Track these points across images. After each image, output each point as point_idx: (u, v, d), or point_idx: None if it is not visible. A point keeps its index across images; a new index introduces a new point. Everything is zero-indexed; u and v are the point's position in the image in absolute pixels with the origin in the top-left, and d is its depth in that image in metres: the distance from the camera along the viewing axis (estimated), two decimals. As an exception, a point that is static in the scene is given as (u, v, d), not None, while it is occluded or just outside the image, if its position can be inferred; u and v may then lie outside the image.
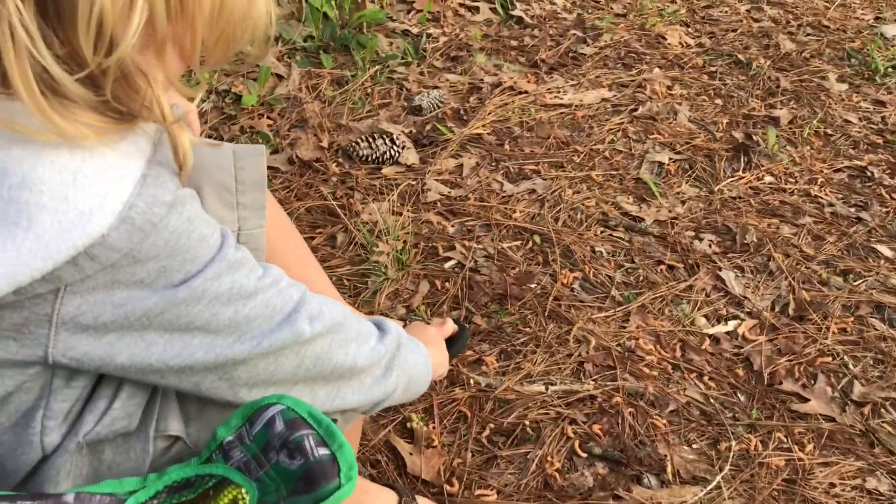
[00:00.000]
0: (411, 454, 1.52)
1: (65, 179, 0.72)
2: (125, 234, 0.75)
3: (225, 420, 0.89)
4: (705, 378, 1.71)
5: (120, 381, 0.94)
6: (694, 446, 1.59)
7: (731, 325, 1.84)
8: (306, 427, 0.84)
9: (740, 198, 2.19)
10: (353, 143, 2.15)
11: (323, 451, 0.81)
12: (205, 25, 0.76)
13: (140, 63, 0.72)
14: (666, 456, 1.56)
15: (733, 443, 1.59)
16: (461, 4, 2.90)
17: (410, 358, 1.11)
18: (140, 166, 0.77)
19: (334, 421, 1.08)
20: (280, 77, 2.37)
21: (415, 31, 2.70)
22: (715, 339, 1.80)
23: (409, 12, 2.80)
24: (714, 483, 1.52)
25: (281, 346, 0.90)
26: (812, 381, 1.73)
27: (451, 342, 1.52)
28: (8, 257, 0.71)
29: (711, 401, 1.67)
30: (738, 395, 1.69)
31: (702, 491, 1.50)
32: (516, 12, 2.90)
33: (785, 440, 1.61)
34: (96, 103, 0.73)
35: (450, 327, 1.50)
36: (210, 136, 2.15)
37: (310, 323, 0.93)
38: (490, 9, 2.89)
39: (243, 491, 0.86)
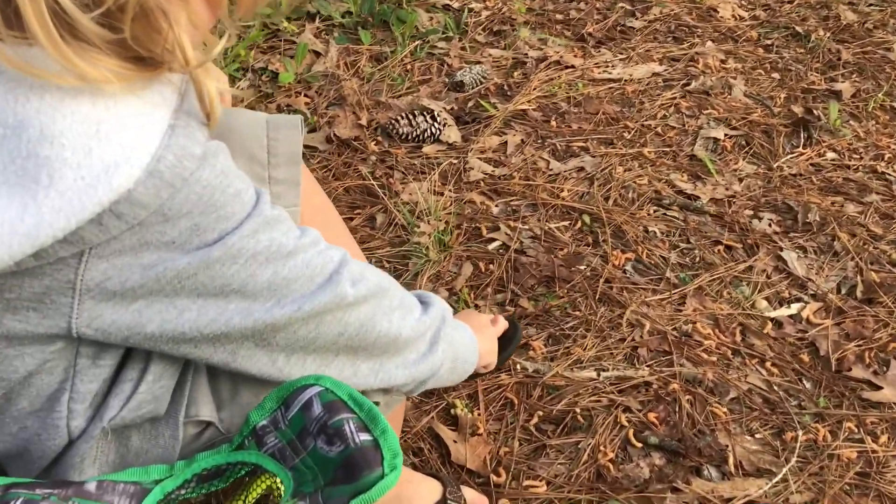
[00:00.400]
0: (455, 442, 1.44)
1: (87, 131, 0.66)
2: (153, 189, 0.68)
3: (259, 403, 0.83)
4: (768, 364, 1.60)
5: (146, 364, 0.88)
6: (757, 436, 1.49)
7: (795, 308, 1.72)
8: (346, 410, 0.76)
9: (801, 175, 2.06)
10: (393, 121, 2.07)
11: (365, 437, 0.74)
12: None
13: (160, 1, 0.65)
14: (727, 446, 1.46)
15: (800, 433, 1.49)
16: (504, -22, 2.80)
17: (456, 335, 1.04)
18: (167, 116, 0.70)
19: (376, 404, 1.01)
20: (318, 54, 2.30)
21: (456, 5, 2.61)
22: (777, 323, 1.69)
23: (449, -13, 2.70)
24: (780, 475, 1.41)
25: (323, 309, 0.84)
26: (884, 368, 1.61)
27: (503, 341, 1.45)
28: (28, 216, 0.65)
29: (775, 388, 1.56)
30: (804, 382, 1.58)
31: (767, 484, 1.40)
32: (561, -14, 2.79)
33: (856, 430, 1.50)
34: (116, 47, 0.66)
35: (502, 325, 1.43)
36: (246, 115, 2.08)
37: (353, 285, 0.86)
38: (533, -17, 2.78)
39: (278, 480, 0.79)
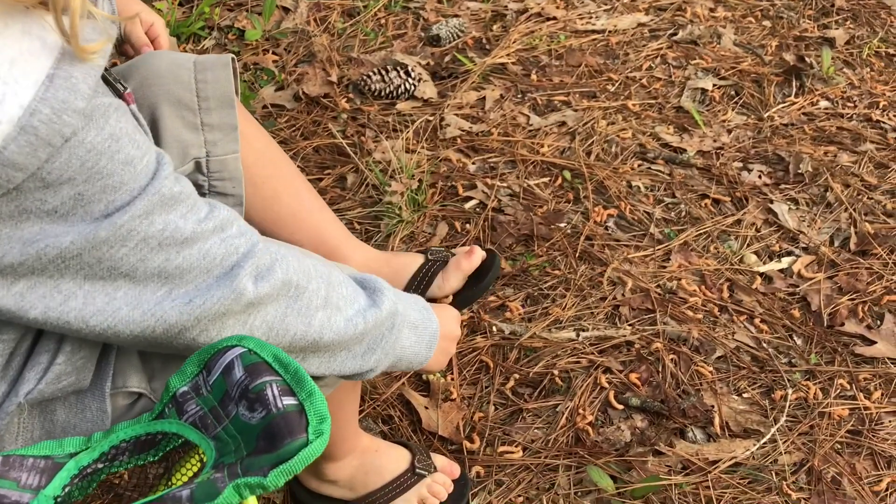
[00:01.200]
0: (427, 408, 1.37)
1: None
2: (28, 148, 0.61)
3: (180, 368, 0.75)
4: (757, 320, 1.53)
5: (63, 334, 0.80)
6: (745, 395, 1.42)
7: (786, 262, 1.65)
8: (270, 373, 0.69)
9: (793, 124, 1.98)
10: (365, 77, 1.98)
11: (289, 401, 0.67)
12: None
13: None
14: (713, 406, 1.39)
15: (790, 391, 1.42)
16: (483, -70, 2.69)
17: (405, 336, 0.92)
18: (46, 66, 0.62)
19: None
20: (286, 10, 2.20)
21: (433, -42, 2.50)
22: (767, 278, 1.61)
23: (426, -60, 2.59)
24: (768, 436, 1.35)
25: (219, 306, 0.74)
26: (878, 322, 1.53)
27: (479, 271, 1.32)
28: None
29: (764, 345, 1.49)
30: (795, 338, 1.51)
31: (754, 445, 1.34)
32: (543, -64, 2.68)
33: (848, 387, 1.43)
34: None
35: (478, 257, 1.30)
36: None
37: (254, 281, 0.76)
38: (514, -67, 2.67)
39: (200, 451, 0.71)
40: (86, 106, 0.63)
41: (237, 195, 1.09)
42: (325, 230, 1.27)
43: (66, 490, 0.72)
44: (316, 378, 0.91)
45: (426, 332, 0.96)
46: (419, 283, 1.29)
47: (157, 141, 1.03)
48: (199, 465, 0.76)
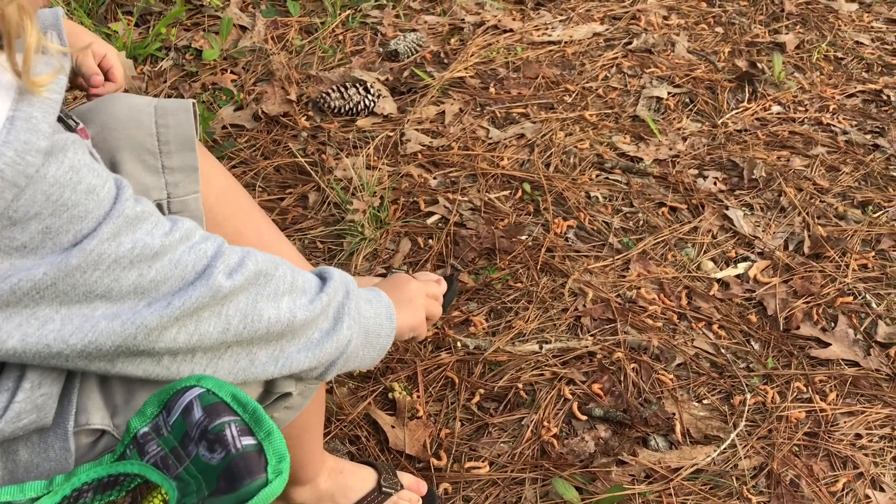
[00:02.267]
0: (394, 427, 1.38)
1: None
2: None
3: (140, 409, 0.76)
4: (715, 327, 1.56)
5: (23, 370, 0.80)
6: (705, 402, 1.45)
7: (742, 267, 1.68)
8: (228, 413, 0.70)
9: (746, 130, 2.02)
10: (324, 95, 1.99)
11: (247, 441, 0.68)
12: None
13: None
14: (674, 414, 1.42)
15: (748, 396, 1.45)
16: (439, -58, 2.71)
17: (366, 308, 0.95)
18: (5, 108, 0.63)
19: (287, 395, 0.94)
20: (244, 28, 2.21)
21: (389, -28, 2.51)
22: (724, 284, 1.65)
23: (382, -47, 2.61)
24: (728, 441, 1.38)
25: (196, 304, 0.76)
26: (832, 324, 1.58)
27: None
28: None
29: (723, 351, 1.52)
30: (752, 343, 1.55)
31: (715, 451, 1.37)
32: (498, -53, 2.71)
33: (805, 390, 1.47)
34: None
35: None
36: (170, 96, 1.99)
37: (228, 276, 0.78)
38: (470, -55, 2.69)
39: (162, 491, 0.72)
40: (47, 144, 0.64)
41: None
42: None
43: (29, 535, 0.73)
44: (282, 398, 0.92)
45: (381, 304, 0.99)
46: None
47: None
48: (161, 500, 0.77)
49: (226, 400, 0.70)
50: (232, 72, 2.09)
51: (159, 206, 1.07)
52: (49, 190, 0.66)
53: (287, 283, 0.85)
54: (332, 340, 0.89)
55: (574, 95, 2.09)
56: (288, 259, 1.28)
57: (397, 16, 2.31)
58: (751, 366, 1.51)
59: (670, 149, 1.95)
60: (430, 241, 1.72)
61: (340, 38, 2.22)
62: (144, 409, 0.74)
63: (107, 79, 1.16)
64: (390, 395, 1.43)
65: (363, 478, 1.23)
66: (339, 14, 2.26)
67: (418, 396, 1.43)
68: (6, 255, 0.66)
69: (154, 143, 1.06)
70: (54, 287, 0.70)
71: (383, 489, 1.23)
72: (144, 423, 0.74)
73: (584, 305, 1.58)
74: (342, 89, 1.99)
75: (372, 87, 2.01)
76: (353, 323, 0.91)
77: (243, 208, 1.21)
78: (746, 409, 1.43)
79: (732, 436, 1.38)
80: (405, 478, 1.27)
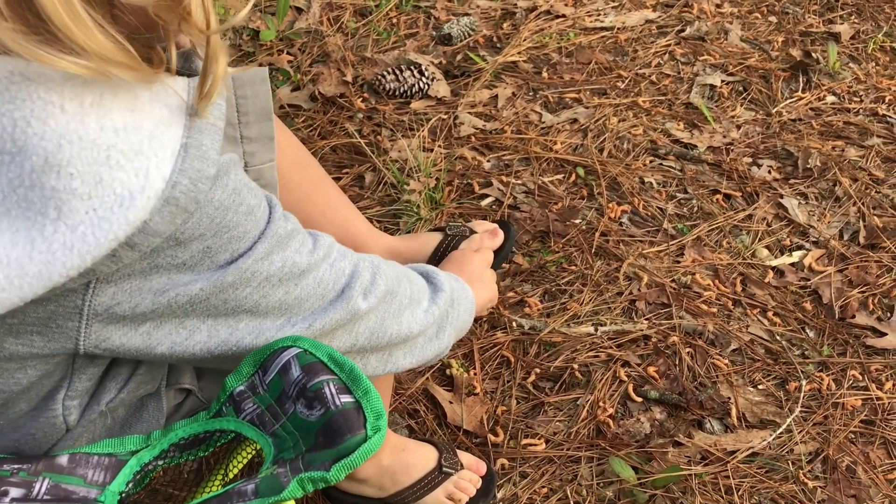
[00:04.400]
0: (451, 403, 1.41)
1: (96, 158, 0.60)
2: (168, 217, 0.63)
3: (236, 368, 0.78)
4: (770, 313, 1.57)
5: None
6: (760, 387, 1.46)
7: (796, 255, 1.68)
8: (326, 372, 0.72)
9: (800, 120, 2.01)
10: (379, 77, 2.01)
11: (346, 399, 0.70)
12: None
13: None
14: (729, 398, 1.42)
15: (803, 382, 1.45)
16: (490, -72, 2.71)
17: (462, 313, 1.01)
18: (178, 135, 0.65)
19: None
20: (299, 10, 2.23)
21: (442, -43, 2.52)
22: (779, 272, 1.65)
23: (434, -62, 2.62)
24: (784, 426, 1.38)
25: (334, 325, 0.80)
26: (888, 314, 1.57)
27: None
28: (38, 254, 0.59)
29: (777, 338, 1.53)
30: (807, 330, 1.55)
31: (771, 435, 1.37)
32: (550, -67, 2.71)
33: (860, 378, 1.47)
34: (123, 32, 0.60)
35: (500, 239, 1.41)
36: (228, 75, 2.02)
37: (364, 298, 0.83)
38: (521, -69, 2.70)
39: (257, 446, 0.75)
40: (216, 171, 0.66)
41: None
42: (350, 224, 1.37)
43: (129, 486, 0.76)
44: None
45: (468, 299, 1.05)
46: (440, 258, 1.36)
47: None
48: (245, 460, 0.80)
49: (322, 359, 0.73)
50: (288, 53, 2.11)
51: None
52: (214, 213, 0.68)
53: (407, 297, 0.90)
54: (434, 346, 0.96)
55: (627, 81, 2.09)
56: (354, 222, 1.35)
57: (450, 0, 2.33)
58: (806, 353, 1.51)
59: (724, 136, 1.94)
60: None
61: (394, 21, 2.24)
62: (241, 369, 0.77)
63: None
64: (448, 371, 1.45)
65: (424, 456, 1.25)
66: (393, -3, 2.28)
67: (475, 374, 1.45)
68: (166, 271, 0.69)
69: (234, 115, 1.08)
70: (207, 301, 0.72)
71: (444, 468, 1.25)
72: (241, 381, 0.77)
73: (639, 289, 1.59)
74: (397, 72, 2.01)
75: (426, 70, 2.03)
76: (452, 329, 0.98)
77: (312, 176, 1.25)
78: (802, 395, 1.44)
79: (788, 421, 1.39)
80: (465, 457, 1.29)
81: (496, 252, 1.41)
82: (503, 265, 1.57)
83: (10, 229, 0.60)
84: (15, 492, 0.69)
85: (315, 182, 1.27)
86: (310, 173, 1.25)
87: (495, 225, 1.37)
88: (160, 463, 0.78)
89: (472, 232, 1.47)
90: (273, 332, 0.78)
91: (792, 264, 1.67)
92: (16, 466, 0.72)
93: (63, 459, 0.74)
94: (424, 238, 1.43)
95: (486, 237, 1.40)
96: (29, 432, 0.81)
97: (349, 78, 2.02)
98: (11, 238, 0.60)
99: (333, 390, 0.70)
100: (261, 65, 2.06)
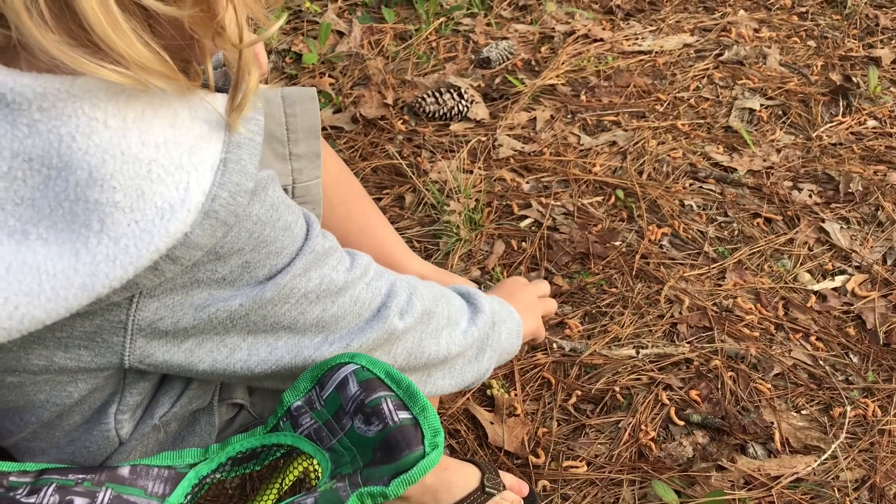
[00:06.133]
0: (492, 423, 1.41)
1: (138, 172, 0.62)
2: (209, 230, 0.65)
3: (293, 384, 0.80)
4: (812, 338, 1.55)
5: None
6: (804, 412, 1.44)
7: (839, 280, 1.67)
8: (384, 388, 0.73)
9: (841, 144, 2.00)
10: (419, 99, 2.04)
11: (404, 415, 0.71)
12: None
13: None
14: (773, 423, 1.41)
15: (848, 408, 1.44)
16: (528, -47, 2.74)
17: (504, 335, 1.01)
18: (217, 150, 0.66)
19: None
20: (341, 34, 2.27)
21: (480, -19, 2.55)
22: (821, 296, 1.64)
23: (473, -37, 2.65)
24: (829, 452, 1.37)
25: (371, 345, 0.81)
26: (935, 340, 1.55)
27: None
28: (82, 266, 0.62)
29: (821, 363, 1.51)
30: (851, 356, 1.53)
31: (815, 461, 1.36)
32: (587, -42, 2.73)
33: (907, 405, 1.45)
34: (162, 42, 0.62)
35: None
36: (271, 97, 2.05)
37: (401, 317, 0.84)
38: (559, -44, 2.72)
39: (314, 462, 0.76)
40: (254, 185, 0.68)
41: (317, 215, 1.16)
42: (387, 244, 1.38)
43: (188, 498, 0.77)
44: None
45: (513, 322, 1.06)
46: None
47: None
48: (297, 474, 0.81)
49: (380, 376, 0.74)
50: (330, 75, 2.15)
51: (284, 190, 1.13)
52: (252, 228, 0.69)
53: (445, 317, 0.91)
54: (474, 369, 0.96)
55: (665, 105, 2.09)
56: (390, 242, 1.36)
57: (489, 24, 2.35)
58: (850, 378, 1.50)
59: (764, 160, 1.94)
60: (524, 243, 1.74)
61: (434, 44, 2.27)
62: (298, 384, 0.78)
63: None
64: (488, 391, 1.46)
65: (467, 476, 1.25)
66: (433, 21, 2.31)
67: (516, 395, 1.46)
68: (206, 286, 0.70)
69: (283, 132, 1.11)
70: (246, 318, 0.74)
71: (486, 489, 1.25)
72: (298, 396, 0.78)
73: (681, 313, 1.59)
74: (436, 94, 2.04)
75: (465, 92, 2.05)
76: (493, 353, 0.98)
77: (354, 194, 1.27)
78: (847, 421, 1.42)
79: (833, 447, 1.38)
80: (507, 478, 1.29)
81: None
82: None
83: (56, 241, 0.62)
84: (80, 501, 0.70)
85: (356, 200, 1.28)
86: (352, 191, 1.28)
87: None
88: (217, 476, 0.80)
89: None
90: (311, 351, 0.79)
91: (834, 289, 1.65)
92: (80, 476, 0.73)
93: (125, 470, 0.76)
94: (454, 276, 1.43)
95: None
96: (83, 445, 0.83)
97: (390, 100, 2.05)
98: (58, 250, 0.62)
99: (391, 406, 0.71)
100: (303, 87, 2.09)
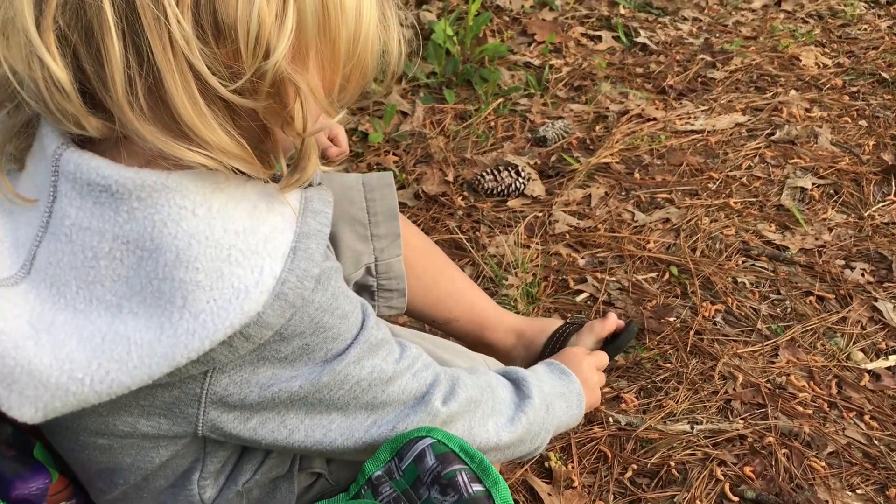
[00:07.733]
0: (550, 495, 1.45)
1: (219, 255, 0.70)
2: (279, 311, 0.72)
3: (371, 455, 0.87)
4: (866, 417, 1.57)
5: None
6: (859, 491, 1.46)
7: (893, 359, 1.69)
8: (458, 461, 0.80)
9: (893, 223, 2.03)
10: (478, 177, 2.13)
11: (478, 488, 0.77)
12: (345, 44, 0.74)
13: (292, 73, 0.70)
14: (827, 501, 1.43)
15: (904, 489, 1.45)
16: (583, 34, 2.86)
17: (561, 410, 1.06)
18: (289, 239, 0.75)
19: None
20: (405, 114, 2.39)
21: (537, 62, 2.67)
22: (875, 375, 1.66)
23: (530, 44, 2.78)
24: (885, 533, 1.38)
25: (416, 427, 0.88)
26: None
27: (613, 338, 1.48)
28: (165, 337, 0.69)
29: (875, 442, 1.53)
30: (906, 436, 1.55)
31: (872, 542, 1.37)
32: (640, 39, 2.84)
33: (965, 487, 1.45)
34: (241, 132, 0.71)
35: (611, 322, 1.46)
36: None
37: (444, 402, 0.90)
38: (613, 37, 2.84)
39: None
40: (319, 272, 0.76)
41: (401, 289, 1.27)
42: (477, 304, 1.47)
43: (276, 559, 0.84)
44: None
45: (573, 395, 1.10)
46: (554, 343, 1.44)
47: (336, 253, 1.19)
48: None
49: (455, 450, 0.81)
50: (394, 153, 2.26)
51: (368, 269, 1.23)
52: (314, 313, 0.77)
53: (490, 406, 0.96)
54: (525, 449, 1.02)
55: (718, 183, 2.16)
56: (479, 302, 1.46)
57: (545, 104, 2.46)
58: (906, 459, 1.51)
59: (816, 239, 1.98)
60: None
61: (492, 124, 2.38)
62: (378, 455, 0.85)
63: (335, 144, 1.34)
64: (546, 463, 1.51)
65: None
66: (491, 102, 2.42)
67: (573, 467, 1.50)
68: (269, 363, 0.78)
69: (364, 216, 1.21)
70: (305, 399, 0.81)
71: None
72: (378, 466, 0.85)
73: (734, 389, 1.62)
74: (495, 172, 2.13)
75: (522, 170, 2.14)
76: (546, 434, 1.03)
77: (437, 263, 1.37)
78: (903, 502, 1.43)
79: (890, 528, 1.39)
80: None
81: (611, 340, 1.47)
82: (615, 359, 1.63)
83: (144, 315, 0.70)
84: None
85: (441, 268, 1.38)
86: (435, 260, 1.37)
87: (610, 313, 1.45)
88: (302, 540, 0.86)
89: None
90: (361, 434, 0.85)
91: (888, 368, 1.67)
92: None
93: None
94: (545, 323, 1.50)
95: (597, 323, 1.46)
96: None
97: (450, 177, 2.15)
98: (146, 323, 0.70)
99: (466, 479, 0.78)
100: (369, 164, 2.21)
